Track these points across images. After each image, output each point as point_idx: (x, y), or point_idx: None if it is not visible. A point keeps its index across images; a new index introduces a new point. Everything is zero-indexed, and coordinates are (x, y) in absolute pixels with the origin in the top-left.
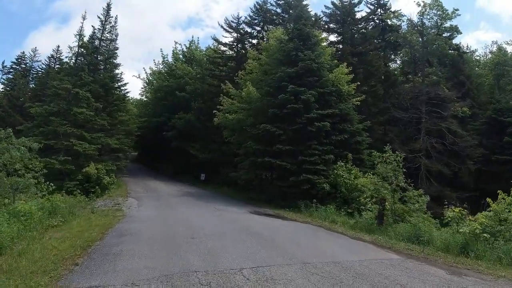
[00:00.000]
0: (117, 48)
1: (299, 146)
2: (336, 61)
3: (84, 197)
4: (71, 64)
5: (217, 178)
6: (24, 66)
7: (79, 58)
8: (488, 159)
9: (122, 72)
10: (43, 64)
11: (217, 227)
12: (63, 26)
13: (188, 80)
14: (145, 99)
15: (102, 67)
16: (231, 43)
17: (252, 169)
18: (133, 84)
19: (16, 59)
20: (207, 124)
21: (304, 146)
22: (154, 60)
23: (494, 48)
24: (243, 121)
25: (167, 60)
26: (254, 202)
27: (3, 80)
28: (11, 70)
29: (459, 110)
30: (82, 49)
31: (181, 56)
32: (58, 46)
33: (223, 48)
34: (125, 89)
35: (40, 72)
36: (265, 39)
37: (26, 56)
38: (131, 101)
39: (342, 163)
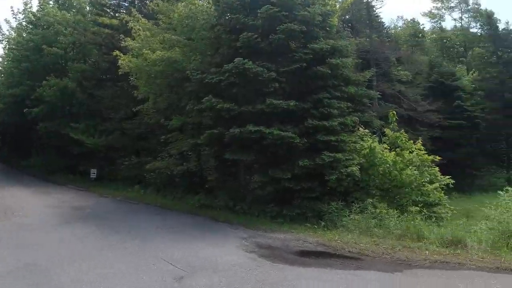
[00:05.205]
0: None
1: (302, 101)
2: None
3: None
4: None
5: (115, 174)
6: None
7: None
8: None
9: None
10: None
11: None
12: None
13: (62, 29)
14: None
15: None
16: None
17: (214, 149)
18: None
19: None
20: (95, 92)
21: (310, 101)
22: (12, 7)
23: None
24: (179, 63)
25: (30, 8)
26: (217, 215)
27: None
28: None
29: (401, 73)
30: None
31: (52, 2)
32: None
33: None
34: None
35: None
36: None
37: None
38: None
39: (366, 131)
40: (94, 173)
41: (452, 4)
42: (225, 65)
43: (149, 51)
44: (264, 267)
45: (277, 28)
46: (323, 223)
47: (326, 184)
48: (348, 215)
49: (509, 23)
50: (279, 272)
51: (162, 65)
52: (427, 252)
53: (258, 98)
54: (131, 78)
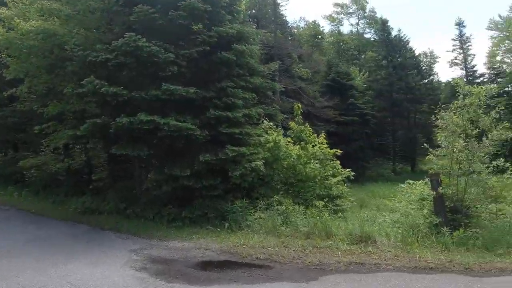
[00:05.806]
0: None
1: (204, 90)
2: None
3: None
4: None
5: None
6: None
7: None
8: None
9: None
10: None
11: None
12: None
13: None
14: None
15: None
16: None
17: (101, 142)
18: None
19: None
20: None
21: (213, 90)
22: None
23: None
24: (58, 38)
25: None
26: (104, 222)
27: None
28: None
29: (302, 70)
30: None
31: None
32: None
33: None
34: None
35: None
36: None
37: None
38: None
39: (271, 123)
40: None
41: (351, 10)
42: (113, 42)
43: (21, 21)
44: None
45: (178, 4)
46: (226, 224)
47: (229, 180)
48: (253, 214)
49: (400, 31)
50: None
51: (37, 38)
52: (339, 253)
53: (153, 82)
54: (1, 56)
